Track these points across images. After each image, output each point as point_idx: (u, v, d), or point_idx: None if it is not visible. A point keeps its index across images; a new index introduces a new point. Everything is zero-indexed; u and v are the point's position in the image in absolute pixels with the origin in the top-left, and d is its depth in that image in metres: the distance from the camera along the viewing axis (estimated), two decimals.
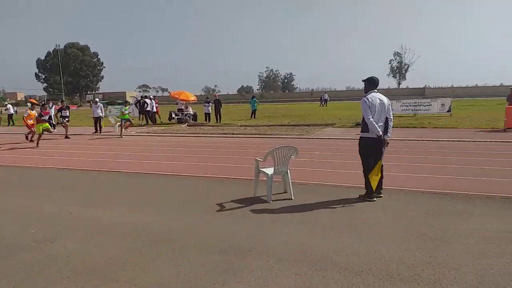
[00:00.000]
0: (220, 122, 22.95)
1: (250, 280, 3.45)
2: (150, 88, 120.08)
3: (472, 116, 21.07)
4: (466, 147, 10.92)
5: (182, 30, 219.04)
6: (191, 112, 24.03)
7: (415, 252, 3.94)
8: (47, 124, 14.66)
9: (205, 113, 24.24)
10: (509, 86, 17.53)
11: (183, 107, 24.55)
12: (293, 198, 6.03)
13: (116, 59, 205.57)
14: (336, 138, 13.84)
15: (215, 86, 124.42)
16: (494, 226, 4.59)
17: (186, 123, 22.70)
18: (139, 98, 25.83)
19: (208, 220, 5.21)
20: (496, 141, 11.72)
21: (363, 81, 6.05)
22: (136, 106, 24.71)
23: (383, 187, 5.98)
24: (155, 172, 8.56)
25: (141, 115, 23.53)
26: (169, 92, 52.92)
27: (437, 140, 12.44)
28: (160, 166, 9.30)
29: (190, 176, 8.03)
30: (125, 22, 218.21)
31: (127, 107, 17.40)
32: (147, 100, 23.42)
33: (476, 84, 75.19)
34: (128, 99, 37.19)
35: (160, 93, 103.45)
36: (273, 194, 6.04)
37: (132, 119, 18.68)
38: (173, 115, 24.64)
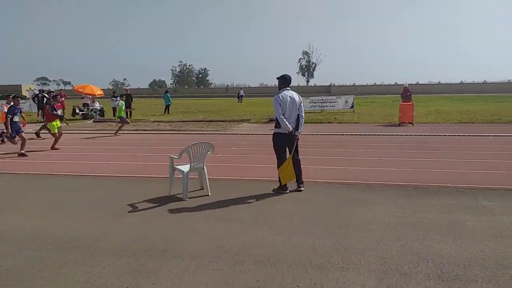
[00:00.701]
0: (131, 117, 21.91)
1: (165, 281, 3.35)
2: (50, 81, 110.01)
3: (372, 112, 23.08)
4: (366, 140, 11.94)
5: (84, 19, 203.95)
6: (98, 107, 22.56)
7: (325, 240, 4.20)
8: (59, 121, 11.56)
9: (113, 107, 22.94)
10: (402, 84, 19.48)
11: (89, 102, 22.91)
12: (210, 194, 6.01)
13: (8, 49, 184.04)
14: (251, 134, 14.13)
15: (124, 79, 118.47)
16: (392, 212, 5.09)
17: (92, 119, 21.25)
18: (38, 92, 23.41)
19: (120, 222, 4.95)
20: (392, 134, 13.01)
21: (277, 78, 6.25)
22: (34, 101, 22.37)
23: (303, 180, 6.27)
24: (61, 173, 7.87)
25: (39, 110, 21.37)
26: (72, 86, 49.04)
27: (342, 134, 13.40)
28: (66, 166, 8.58)
29: (99, 176, 7.54)
30: (17, 10, 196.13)
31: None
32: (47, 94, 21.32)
33: (375, 83, 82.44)
34: (24, 93, 33.39)
35: (62, 87, 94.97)
36: (189, 192, 5.95)
37: (29, 114, 16.78)
38: (77, 111, 22.89)
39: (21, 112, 10.54)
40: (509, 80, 72.22)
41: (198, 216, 5.13)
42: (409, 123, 15.92)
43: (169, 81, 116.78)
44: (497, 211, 5.02)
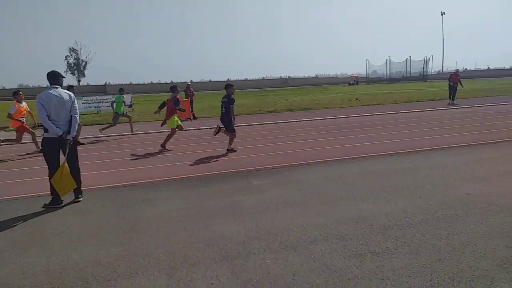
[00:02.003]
0: None
1: None
2: None
3: (152, 110, 23.08)
4: (147, 138, 11.84)
5: None
6: None
7: (110, 248, 3.86)
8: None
9: None
10: (185, 83, 20.07)
11: None
12: None
13: None
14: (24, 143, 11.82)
15: None
16: (177, 205, 5.15)
17: None
18: None
19: None
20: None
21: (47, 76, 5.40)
22: None
23: (82, 189, 5.59)
24: None
25: None
26: None
27: (122, 135, 12.85)
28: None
29: None
30: None
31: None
32: None
33: (152, 81, 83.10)
34: None
35: None
36: None
37: None
38: None
39: None
40: (263, 77, 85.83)
41: None
42: (188, 118, 16.80)
43: None
44: (265, 188, 5.78)
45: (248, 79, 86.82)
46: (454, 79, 19.06)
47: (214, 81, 78.65)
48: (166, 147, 9.56)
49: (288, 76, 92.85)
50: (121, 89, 13.77)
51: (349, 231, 4.00)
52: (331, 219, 4.36)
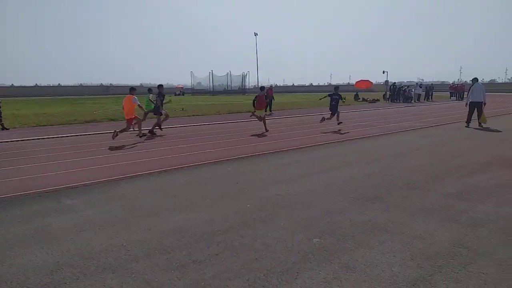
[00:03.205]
0: None
1: None
2: None
3: None
4: None
5: None
6: None
7: None
8: None
9: None
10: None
11: None
12: None
13: None
14: None
15: None
16: None
17: None
18: None
19: None
20: None
21: None
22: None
23: None
24: None
25: None
26: None
27: None
28: None
29: None
30: None
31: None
32: None
33: None
34: None
35: None
36: None
37: None
38: None
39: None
40: (81, 84, 78.53)
41: None
42: None
43: None
44: (80, 207, 5.20)
45: (62, 85, 78.05)
46: (270, 93, 21.61)
47: (18, 86, 67.81)
48: None
49: (110, 84, 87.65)
50: (149, 89, 15.28)
51: (172, 243, 3.94)
52: (154, 233, 4.21)
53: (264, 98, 13.77)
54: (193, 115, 21.60)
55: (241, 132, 13.49)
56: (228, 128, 14.90)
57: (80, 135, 13.21)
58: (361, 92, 41.77)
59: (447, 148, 9.51)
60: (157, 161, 8.38)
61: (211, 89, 79.59)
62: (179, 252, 3.70)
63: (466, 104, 14.70)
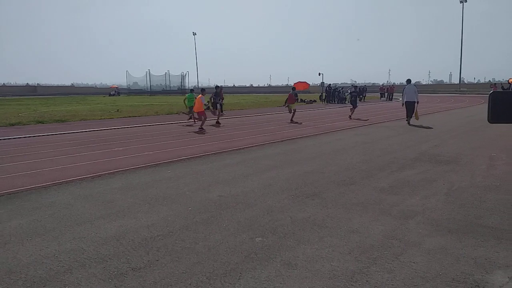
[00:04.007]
0: None
1: None
2: None
3: None
4: None
5: None
6: None
7: None
8: None
9: None
10: None
11: None
12: None
13: None
14: None
15: None
16: None
17: None
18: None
19: None
20: None
21: None
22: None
23: None
24: None
25: None
26: None
27: None
28: None
29: None
30: None
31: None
32: None
33: None
34: None
35: None
36: None
37: None
38: None
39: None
40: (4, 84, 72.17)
41: None
42: None
43: None
44: (4, 217, 4.76)
45: None
46: (221, 93, 21.49)
47: None
48: None
49: (37, 84, 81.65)
50: (203, 90, 15.21)
51: (109, 251, 3.74)
52: (89, 242, 3.97)
53: (294, 96, 17.67)
54: (129, 116, 20.79)
55: (181, 134, 13.23)
56: (167, 130, 14.54)
57: (3, 139, 12.11)
58: (299, 93, 43.00)
59: (379, 145, 10.08)
60: (90, 165, 7.93)
61: (149, 89, 77.24)
62: (117, 260, 3.52)
63: (403, 104, 15.64)
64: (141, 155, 8.99)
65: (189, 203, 5.23)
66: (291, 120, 17.15)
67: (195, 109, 14.67)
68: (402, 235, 4.03)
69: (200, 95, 14.41)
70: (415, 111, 15.16)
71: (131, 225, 4.44)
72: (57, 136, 12.84)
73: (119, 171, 7.32)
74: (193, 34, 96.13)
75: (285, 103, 18.08)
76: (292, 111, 17.54)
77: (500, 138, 11.03)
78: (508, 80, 30.79)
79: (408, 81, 16.03)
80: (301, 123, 16.38)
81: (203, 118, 14.30)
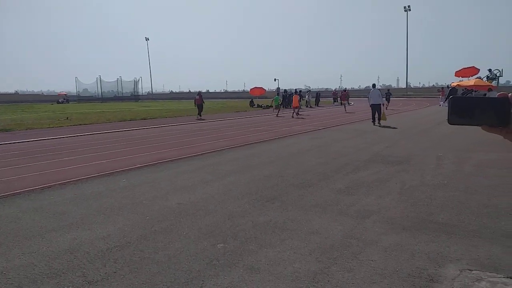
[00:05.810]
0: None
1: None
2: None
3: None
4: None
5: None
6: None
7: None
8: None
9: None
10: None
11: None
12: None
13: None
14: None
15: None
16: None
17: None
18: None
19: None
20: None
21: None
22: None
23: None
24: None
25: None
26: None
27: None
28: None
29: None
30: None
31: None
32: None
33: None
34: None
35: None
36: None
37: None
38: None
39: None
40: None
41: None
42: None
43: None
44: None
45: None
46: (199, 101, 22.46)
47: None
48: None
49: None
50: (285, 90, 20.47)
51: (62, 265, 3.54)
52: (41, 256, 3.75)
53: (298, 97, 23.53)
54: (79, 124, 19.93)
55: (135, 141, 12.86)
56: (120, 137, 14.07)
57: None
58: (256, 98, 43.27)
59: (334, 148, 10.37)
60: (39, 176, 7.50)
61: (100, 96, 74.54)
62: (71, 274, 3.34)
63: (371, 105, 16.95)
64: (94, 164, 8.62)
65: (147, 212, 5.08)
66: (296, 114, 23.37)
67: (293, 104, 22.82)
68: (360, 234, 4.16)
69: (296, 94, 19.18)
70: (382, 112, 16.49)
71: (86, 237, 4.24)
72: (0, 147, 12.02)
73: (70, 181, 6.97)
74: (146, 39, 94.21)
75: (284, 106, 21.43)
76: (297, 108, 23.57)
77: (447, 139, 11.73)
78: (450, 84, 33.04)
79: (373, 85, 18.30)
80: (261, 128, 16.49)
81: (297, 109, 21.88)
